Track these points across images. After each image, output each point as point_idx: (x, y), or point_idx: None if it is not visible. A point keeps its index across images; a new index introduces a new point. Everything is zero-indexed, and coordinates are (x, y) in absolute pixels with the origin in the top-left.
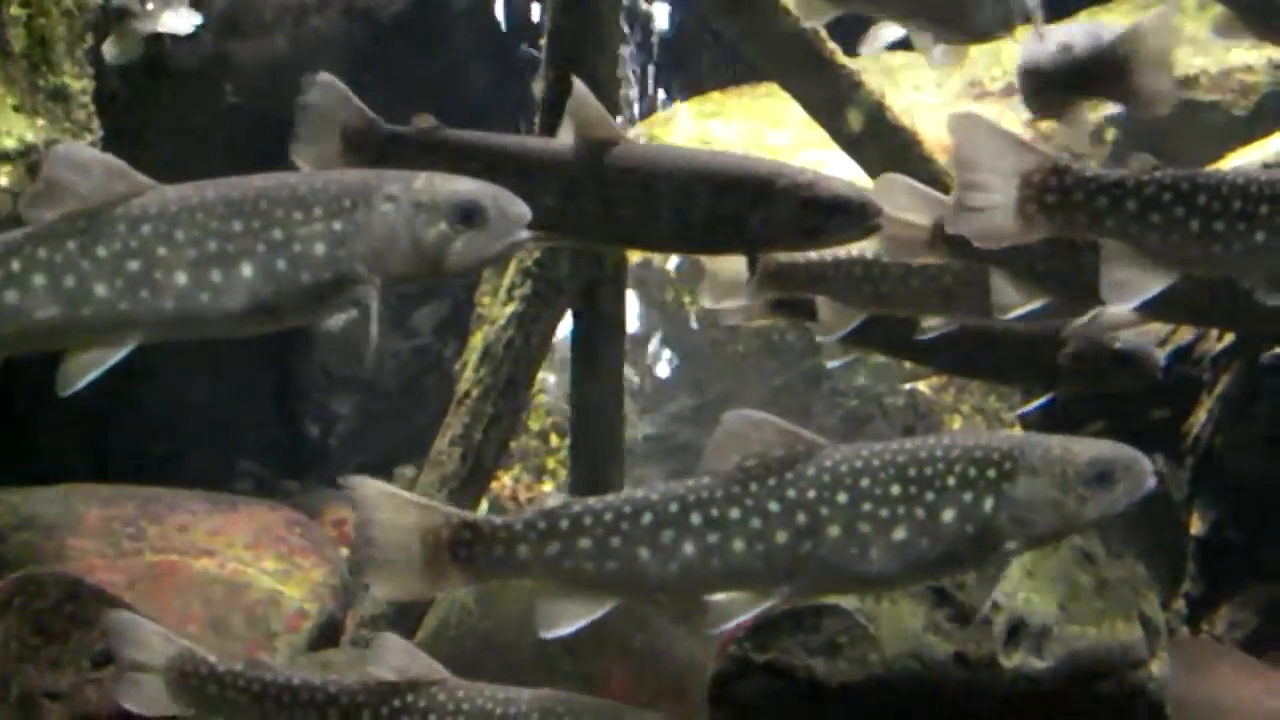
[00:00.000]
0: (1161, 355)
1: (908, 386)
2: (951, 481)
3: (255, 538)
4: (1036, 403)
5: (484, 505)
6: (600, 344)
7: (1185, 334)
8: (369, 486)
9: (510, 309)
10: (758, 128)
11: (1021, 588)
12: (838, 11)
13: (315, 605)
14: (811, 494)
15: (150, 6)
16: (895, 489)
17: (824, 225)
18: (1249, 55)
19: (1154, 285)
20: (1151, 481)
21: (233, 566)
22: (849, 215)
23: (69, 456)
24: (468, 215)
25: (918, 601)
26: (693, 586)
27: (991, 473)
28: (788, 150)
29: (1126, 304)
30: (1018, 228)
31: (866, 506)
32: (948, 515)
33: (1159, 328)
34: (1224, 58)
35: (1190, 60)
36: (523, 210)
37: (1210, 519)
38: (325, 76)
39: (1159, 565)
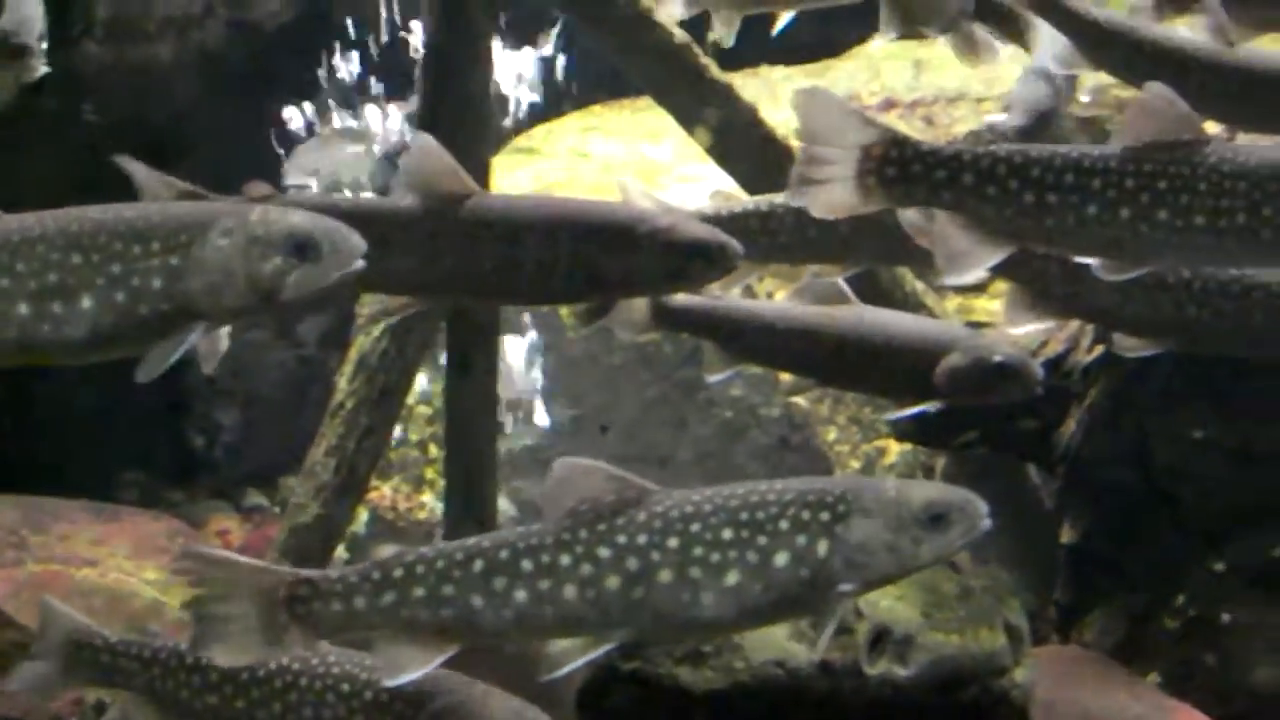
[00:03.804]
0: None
1: (782, 401)
2: (784, 525)
3: (137, 547)
4: (910, 410)
5: (364, 515)
6: (473, 354)
7: (1056, 345)
8: (200, 556)
9: (384, 320)
10: (637, 142)
11: (885, 596)
12: None
13: None
14: (642, 539)
15: (45, 45)
16: (727, 533)
17: (686, 269)
18: None
19: (990, 258)
20: (987, 523)
21: (114, 576)
22: (709, 258)
23: None
24: (302, 249)
25: None
26: (527, 633)
27: (825, 516)
28: (666, 165)
29: (962, 276)
30: (857, 199)
31: (698, 551)
32: (780, 559)
33: (1030, 340)
34: (1100, 74)
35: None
36: (357, 243)
37: (1080, 528)
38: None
39: (1031, 573)
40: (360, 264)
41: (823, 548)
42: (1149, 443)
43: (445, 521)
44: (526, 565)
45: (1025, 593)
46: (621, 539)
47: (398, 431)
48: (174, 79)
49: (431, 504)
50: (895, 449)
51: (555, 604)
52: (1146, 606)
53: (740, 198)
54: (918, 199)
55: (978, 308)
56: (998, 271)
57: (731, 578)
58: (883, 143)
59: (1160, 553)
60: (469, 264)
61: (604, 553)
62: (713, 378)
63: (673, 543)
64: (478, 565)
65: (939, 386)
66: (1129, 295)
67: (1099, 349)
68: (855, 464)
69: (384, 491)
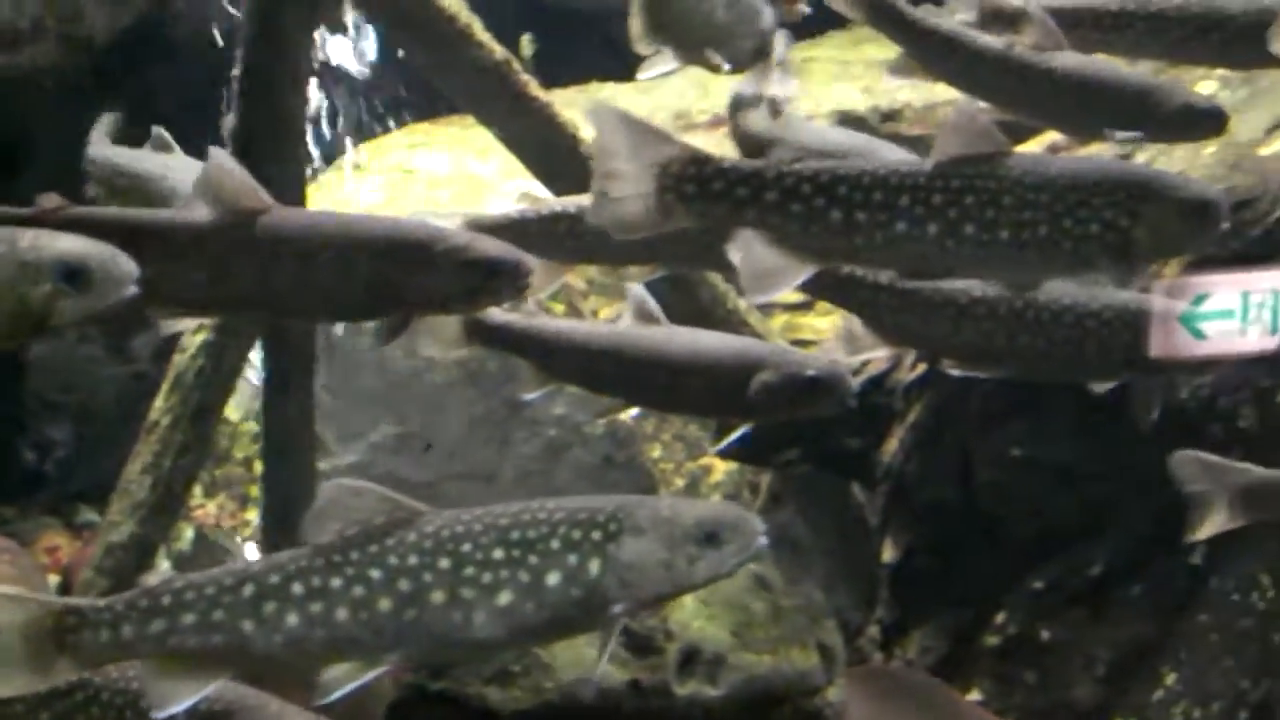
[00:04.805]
0: (855, 383)
1: (605, 420)
2: (556, 545)
3: None
4: (732, 436)
5: (189, 533)
6: (291, 372)
7: (879, 364)
8: None
9: (200, 337)
10: (463, 158)
11: (696, 615)
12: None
13: None
14: (413, 560)
15: None
16: (498, 553)
17: (483, 286)
18: (952, 90)
19: (795, 277)
20: (762, 541)
21: None
22: (503, 276)
23: None
24: (72, 275)
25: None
26: (299, 657)
27: (597, 535)
28: (492, 181)
29: (766, 296)
30: (657, 218)
31: (469, 571)
32: (552, 578)
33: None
34: (929, 93)
35: (895, 95)
36: (129, 268)
37: (902, 546)
38: None
39: (855, 591)
40: (133, 290)
41: (595, 567)
42: (970, 461)
43: (262, 539)
44: (297, 589)
45: (849, 610)
46: (393, 560)
47: (223, 449)
48: (6, 94)
49: (256, 522)
50: (721, 467)
51: (327, 627)
52: (967, 624)
53: (547, 200)
54: (720, 216)
55: (804, 325)
56: (827, 298)
57: (504, 598)
58: (681, 159)
59: (981, 571)
60: (265, 280)
61: (375, 574)
62: (528, 395)
63: (444, 563)
64: (247, 590)
65: (753, 403)
66: (960, 324)
67: (921, 368)
68: (680, 481)
69: (209, 509)
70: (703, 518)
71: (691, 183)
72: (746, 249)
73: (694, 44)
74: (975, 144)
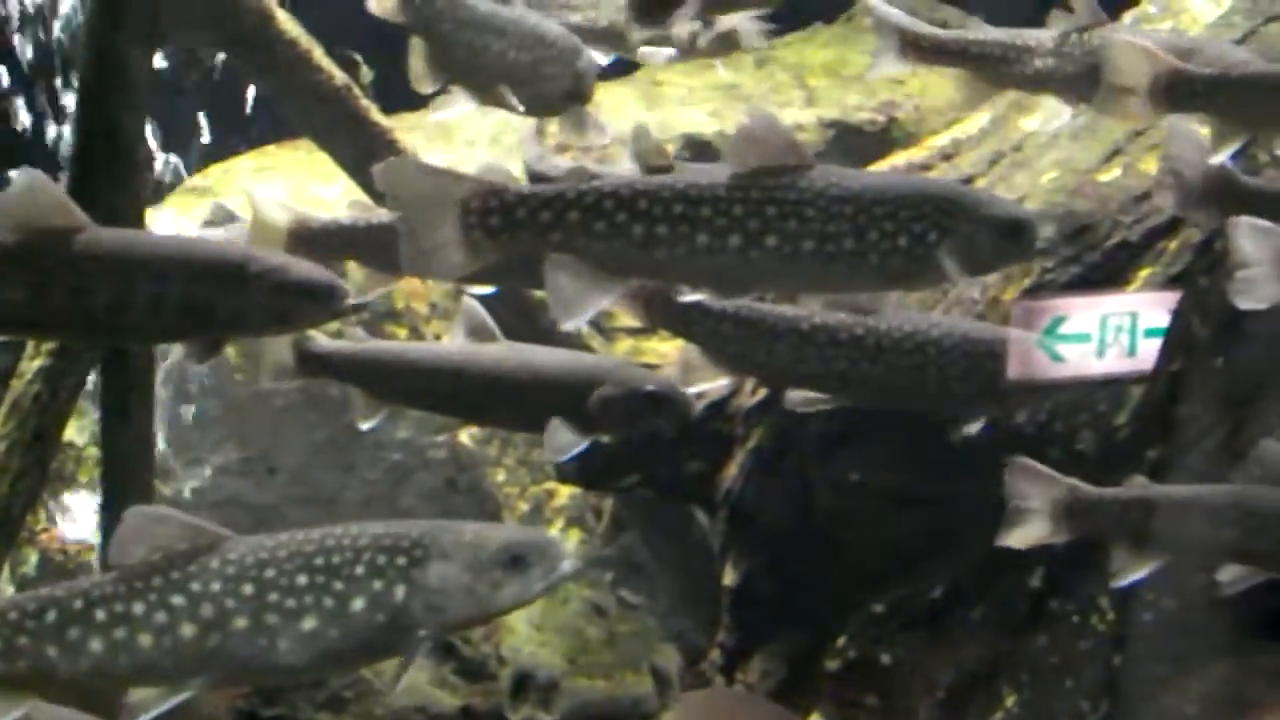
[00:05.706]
0: (696, 402)
1: (442, 438)
2: (360, 570)
3: None
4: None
5: (33, 558)
6: (129, 396)
7: (719, 389)
8: None
9: (37, 363)
10: (309, 182)
11: (529, 641)
12: None
13: None
14: (216, 586)
15: None
16: (302, 579)
17: (295, 309)
18: (801, 114)
19: (603, 297)
20: (568, 565)
21: None
22: (317, 299)
23: None
24: None
25: (425, 655)
26: (104, 683)
27: (401, 560)
28: (336, 204)
29: (578, 318)
30: (468, 257)
31: (273, 597)
32: (357, 604)
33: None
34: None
35: (742, 119)
36: None
37: (742, 570)
38: None
39: (698, 615)
40: None
41: (400, 592)
42: (810, 486)
43: (103, 564)
44: (100, 614)
45: (692, 634)
46: (195, 586)
47: (69, 473)
48: None
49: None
50: (565, 491)
51: (130, 653)
52: (808, 648)
53: (377, 209)
54: (527, 244)
55: (648, 349)
56: (668, 328)
57: (308, 623)
58: (479, 194)
59: (821, 594)
60: (78, 300)
61: (178, 600)
62: (365, 424)
63: (247, 589)
64: (51, 616)
65: (592, 418)
66: (802, 353)
67: (762, 393)
68: (524, 506)
69: (55, 533)
70: (508, 542)
71: (494, 215)
72: (554, 272)
73: (486, 83)
74: (775, 156)
